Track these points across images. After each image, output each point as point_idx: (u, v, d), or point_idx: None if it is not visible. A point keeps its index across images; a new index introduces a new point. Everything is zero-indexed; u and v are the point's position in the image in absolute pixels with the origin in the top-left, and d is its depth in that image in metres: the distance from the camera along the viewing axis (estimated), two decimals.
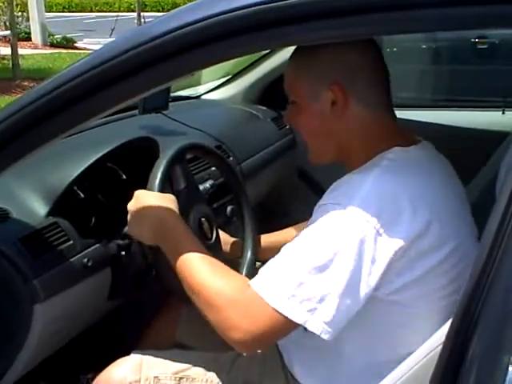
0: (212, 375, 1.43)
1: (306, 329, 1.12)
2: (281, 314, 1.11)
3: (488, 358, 0.85)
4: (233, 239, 1.76)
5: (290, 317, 1.11)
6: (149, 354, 1.48)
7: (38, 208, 1.60)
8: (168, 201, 1.39)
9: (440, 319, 1.17)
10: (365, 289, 1.12)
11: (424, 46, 6.21)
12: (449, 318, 1.15)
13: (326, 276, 1.10)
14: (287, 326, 1.13)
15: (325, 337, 1.11)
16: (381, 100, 1.27)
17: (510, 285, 0.84)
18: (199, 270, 1.23)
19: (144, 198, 1.38)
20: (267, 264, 1.17)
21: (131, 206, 1.38)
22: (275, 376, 1.41)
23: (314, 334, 1.11)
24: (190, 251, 1.26)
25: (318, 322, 1.10)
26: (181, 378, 1.42)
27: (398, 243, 1.12)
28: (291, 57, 1.32)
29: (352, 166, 1.26)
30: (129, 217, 1.38)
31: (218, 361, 1.47)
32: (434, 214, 1.17)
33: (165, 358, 1.47)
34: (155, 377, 1.42)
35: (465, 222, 1.29)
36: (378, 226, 1.11)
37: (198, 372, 1.44)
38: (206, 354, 1.51)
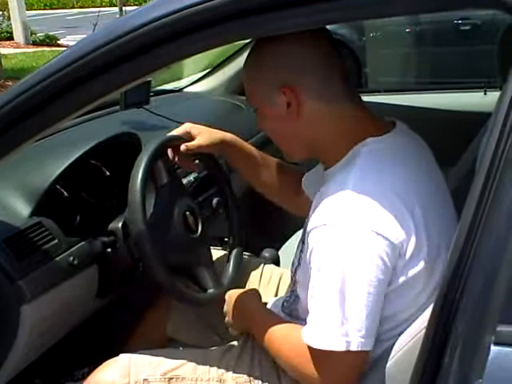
0: (201, 373, 1.43)
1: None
2: (340, 352, 1.13)
3: (470, 338, 0.85)
4: None
5: (350, 348, 1.13)
6: (137, 356, 1.47)
7: (21, 208, 1.59)
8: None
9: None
10: (382, 292, 1.14)
11: (407, 30, 6.22)
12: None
13: (352, 299, 1.12)
14: (352, 360, 1.16)
15: (368, 348, 1.15)
16: (340, 92, 1.24)
17: (489, 267, 0.84)
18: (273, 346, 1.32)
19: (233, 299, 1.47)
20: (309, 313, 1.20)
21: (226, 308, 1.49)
22: (265, 370, 1.42)
23: None
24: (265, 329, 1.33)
25: (359, 340, 1.13)
26: (170, 379, 1.42)
27: (398, 237, 1.12)
28: (243, 66, 1.32)
29: (328, 161, 1.27)
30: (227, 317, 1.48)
31: (207, 357, 1.47)
32: (417, 201, 1.16)
33: (153, 359, 1.46)
34: (144, 379, 1.42)
35: (443, 206, 1.28)
36: (375, 227, 1.10)
37: (187, 371, 1.43)
38: (194, 351, 1.52)
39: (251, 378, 1.40)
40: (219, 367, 1.43)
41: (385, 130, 1.25)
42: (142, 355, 1.47)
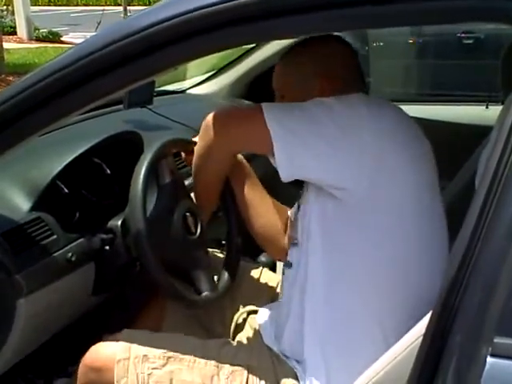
0: (200, 356, 1.45)
1: None
2: None
3: (467, 349, 0.85)
4: None
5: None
6: (138, 333, 1.50)
7: (21, 203, 1.60)
8: None
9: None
10: None
11: (410, 41, 6.23)
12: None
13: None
14: None
15: None
16: (356, 86, 1.44)
17: (488, 279, 0.85)
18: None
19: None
20: None
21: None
22: (262, 363, 1.44)
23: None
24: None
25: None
26: (169, 358, 1.44)
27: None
28: (281, 57, 1.51)
29: None
30: None
31: (206, 346, 1.50)
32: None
33: (153, 338, 1.49)
34: (144, 355, 1.43)
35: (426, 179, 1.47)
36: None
37: (186, 352, 1.45)
38: (194, 339, 1.53)
39: (249, 365, 1.43)
40: (218, 354, 1.46)
41: None
42: (142, 333, 1.50)
